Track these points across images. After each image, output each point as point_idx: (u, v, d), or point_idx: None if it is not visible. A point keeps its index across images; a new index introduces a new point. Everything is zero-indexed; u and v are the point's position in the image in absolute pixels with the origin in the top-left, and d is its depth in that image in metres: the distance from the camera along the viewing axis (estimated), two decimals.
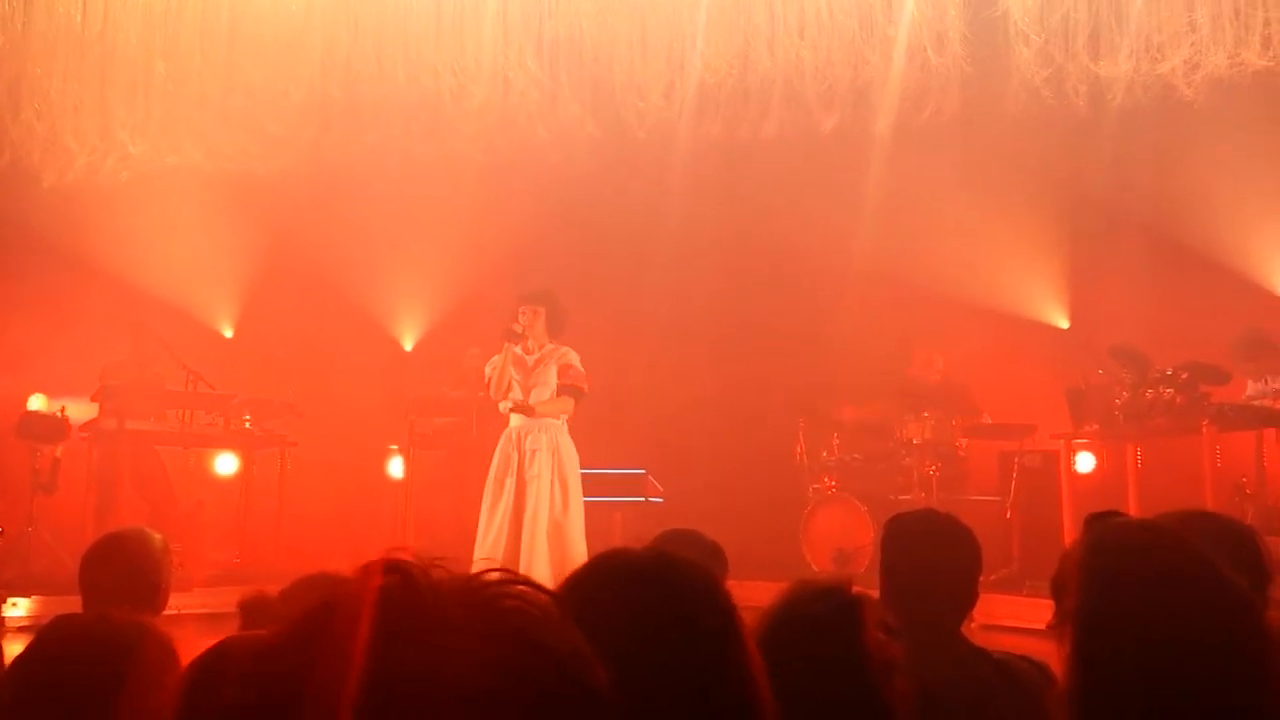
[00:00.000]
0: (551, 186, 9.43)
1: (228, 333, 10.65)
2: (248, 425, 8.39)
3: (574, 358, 6.68)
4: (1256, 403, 7.13)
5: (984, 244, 9.28)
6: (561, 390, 6.61)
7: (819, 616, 1.30)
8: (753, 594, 1.89)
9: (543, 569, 6.15)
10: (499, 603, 0.79)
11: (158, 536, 3.35)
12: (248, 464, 8.64)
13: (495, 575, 0.82)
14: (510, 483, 6.47)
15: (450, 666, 0.73)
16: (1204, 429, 6.62)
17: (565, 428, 6.69)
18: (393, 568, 0.80)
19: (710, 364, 9.70)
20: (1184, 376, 6.72)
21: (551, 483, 6.45)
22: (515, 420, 6.67)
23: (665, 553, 1.34)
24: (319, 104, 8.48)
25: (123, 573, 3.14)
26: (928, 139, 8.49)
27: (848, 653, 1.46)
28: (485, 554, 6.31)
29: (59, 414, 8.05)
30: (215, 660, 1.26)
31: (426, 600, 0.77)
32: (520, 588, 0.82)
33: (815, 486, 8.83)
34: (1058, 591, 1.63)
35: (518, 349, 6.67)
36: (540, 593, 0.83)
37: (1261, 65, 7.13)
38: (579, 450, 6.80)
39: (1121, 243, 8.95)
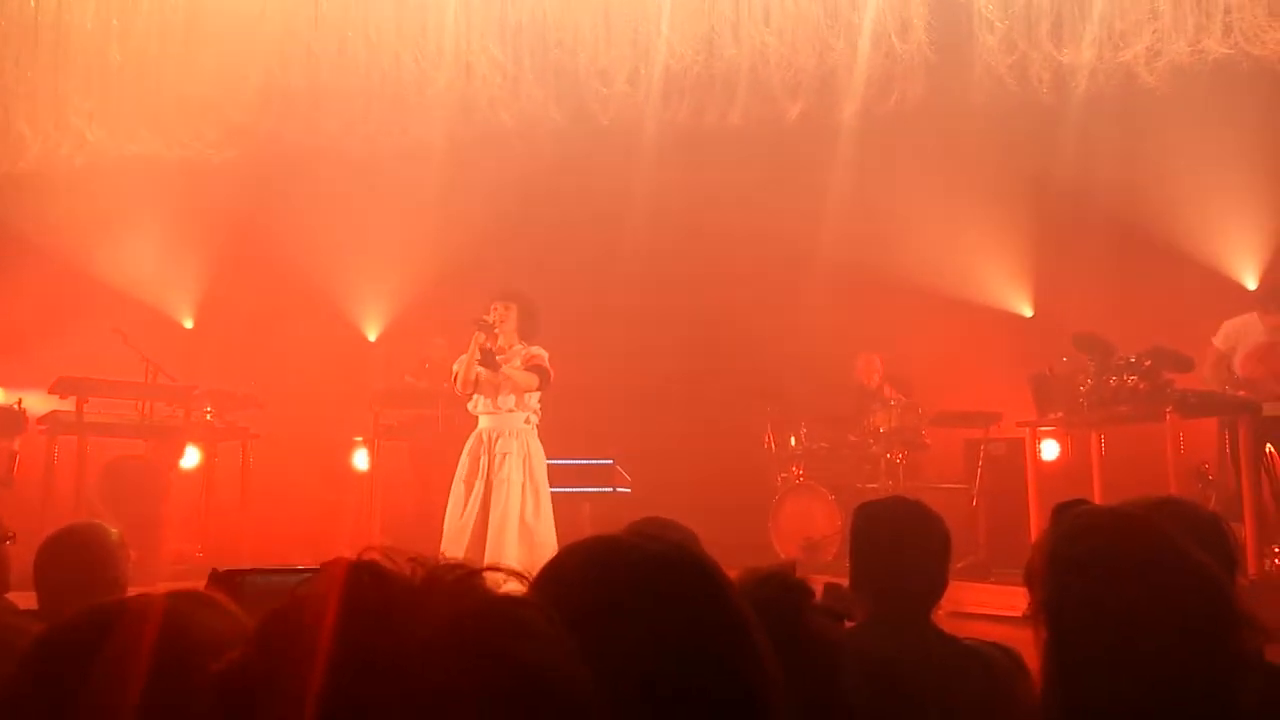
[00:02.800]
0: (515, 173, 9.36)
1: (188, 324, 10.52)
2: (209, 417, 8.28)
3: (542, 354, 6.62)
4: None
5: (948, 232, 9.32)
6: (528, 367, 6.55)
7: (758, 602, 1.28)
8: None
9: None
10: (477, 610, 0.77)
11: (114, 530, 3.29)
12: (210, 456, 8.53)
13: (475, 574, 0.80)
14: (479, 486, 6.40)
15: (416, 674, 0.72)
16: (1167, 416, 6.66)
17: (535, 431, 6.63)
18: (362, 566, 0.78)
19: (677, 353, 9.68)
20: (1147, 364, 6.76)
21: (523, 486, 6.41)
22: (485, 421, 6.60)
23: (654, 538, 1.29)
24: (279, 90, 8.36)
25: (78, 567, 3.09)
26: (892, 127, 8.50)
27: (786, 638, 1.44)
28: (450, 552, 6.24)
29: (16, 406, 7.91)
30: (183, 651, 1.22)
31: (396, 601, 0.76)
32: (500, 588, 0.81)
33: (783, 475, 8.85)
34: (1030, 581, 1.62)
35: (488, 345, 6.60)
36: (523, 592, 0.81)
37: (1222, 53, 7.19)
38: (547, 438, 6.76)
39: (1084, 230, 9.01)
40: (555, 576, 1.21)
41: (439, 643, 0.73)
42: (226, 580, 1.62)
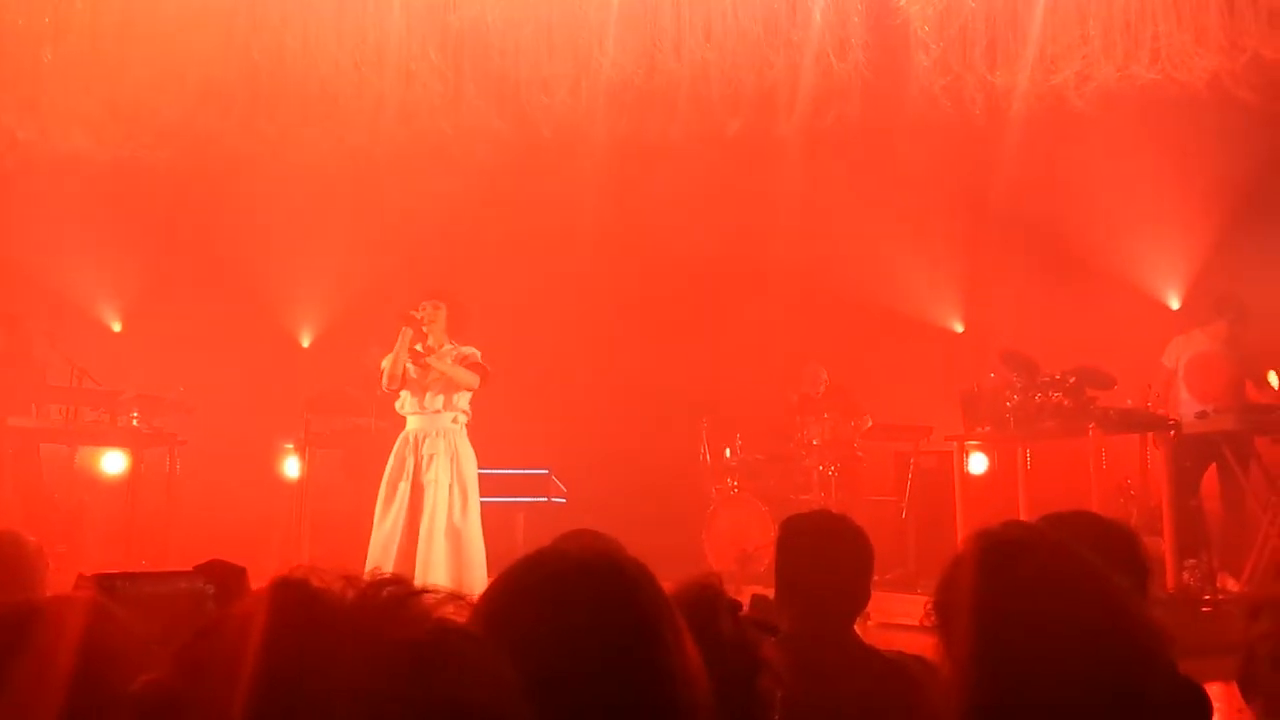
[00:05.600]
0: (454, 181, 9.31)
1: (116, 326, 10.31)
2: (135, 423, 8.11)
3: (474, 353, 6.58)
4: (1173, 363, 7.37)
5: (882, 248, 9.45)
6: (465, 366, 6.51)
7: (686, 614, 1.31)
8: None
9: (440, 573, 6.06)
10: (410, 639, 0.75)
11: (31, 539, 3.21)
12: (136, 463, 8.35)
13: (410, 596, 0.78)
14: (405, 487, 6.34)
15: (346, 704, 0.70)
16: (1090, 432, 6.82)
17: (464, 432, 6.59)
18: (290, 585, 0.76)
19: (614, 364, 9.70)
20: (1071, 381, 6.91)
21: (451, 487, 6.35)
22: (413, 423, 6.55)
23: (602, 551, 1.33)
24: (215, 93, 8.24)
25: None
26: (829, 144, 8.61)
27: (712, 649, 1.46)
28: (376, 558, 6.19)
29: None
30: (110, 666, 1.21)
31: (326, 625, 0.74)
32: (420, 606, 0.78)
33: (718, 487, 8.89)
34: (942, 600, 1.65)
35: (418, 346, 6.56)
36: (457, 614, 0.80)
37: (1150, 78, 7.37)
38: (483, 448, 6.72)
39: (1014, 249, 9.20)
40: (496, 587, 1.25)
41: (370, 671, 0.71)
42: (99, 585, 1.59)
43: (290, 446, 8.99)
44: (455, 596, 0.83)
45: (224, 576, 1.63)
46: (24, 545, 3.17)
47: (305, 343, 10.65)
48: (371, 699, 0.70)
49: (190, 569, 1.71)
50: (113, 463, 8.52)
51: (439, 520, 6.26)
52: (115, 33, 7.99)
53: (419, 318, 6.48)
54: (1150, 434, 7.13)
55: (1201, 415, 6.84)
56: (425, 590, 0.80)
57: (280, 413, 9.07)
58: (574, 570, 1.26)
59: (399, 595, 0.78)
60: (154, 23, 8.00)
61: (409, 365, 6.46)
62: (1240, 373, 7.32)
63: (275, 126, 8.64)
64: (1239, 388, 7.30)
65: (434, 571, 6.05)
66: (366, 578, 0.79)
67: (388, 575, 0.81)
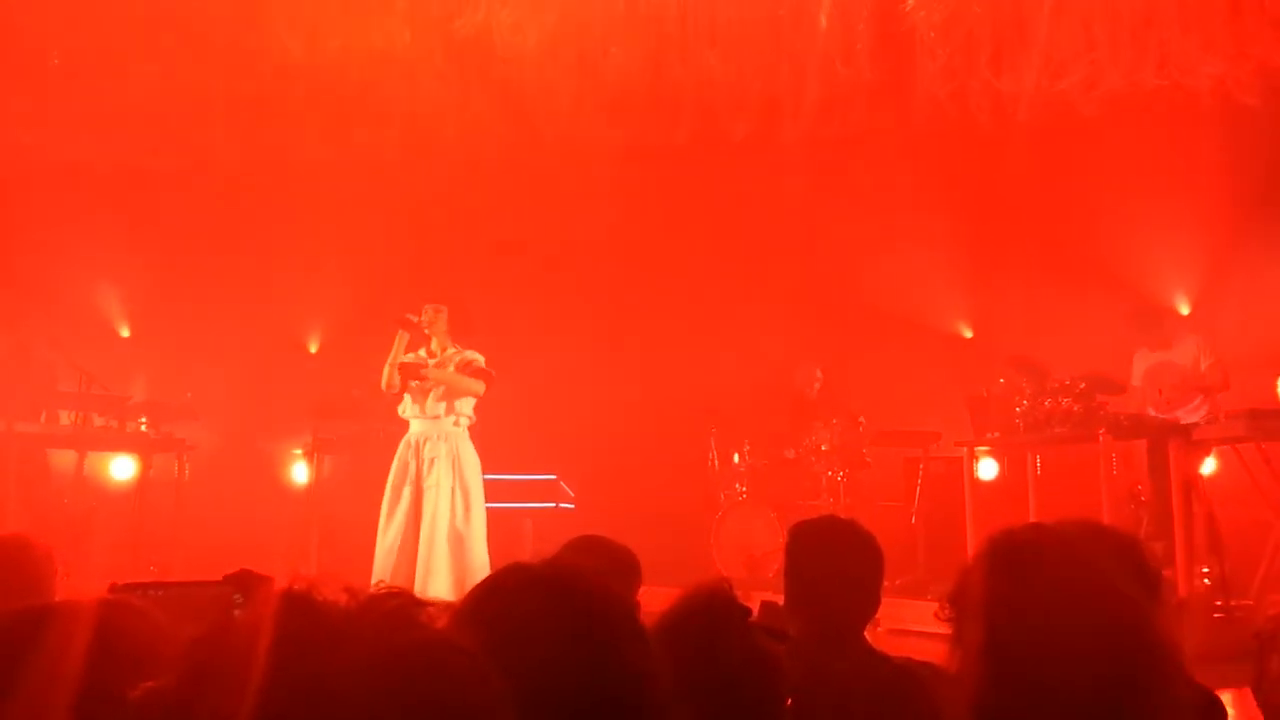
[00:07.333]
0: (459, 186, 9.31)
1: (124, 332, 10.33)
2: (144, 428, 8.12)
3: (478, 358, 6.55)
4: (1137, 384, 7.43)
5: (890, 253, 9.43)
6: (468, 375, 6.49)
7: (694, 619, 1.31)
8: (664, 600, 1.88)
9: (443, 578, 6.02)
10: (405, 650, 0.76)
11: (40, 544, 3.21)
12: (144, 468, 8.35)
13: (409, 608, 0.80)
14: (408, 491, 6.30)
15: (340, 711, 0.71)
16: (1100, 437, 6.79)
17: (466, 434, 6.54)
18: (292, 596, 0.77)
19: (623, 369, 9.69)
20: (1081, 386, 6.90)
21: (453, 491, 6.28)
22: (415, 426, 6.52)
23: (564, 564, 1.36)
24: (222, 97, 8.27)
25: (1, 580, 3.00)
26: (836, 150, 8.61)
27: (725, 655, 1.47)
28: (381, 564, 6.16)
29: None
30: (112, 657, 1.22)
31: (325, 634, 0.75)
32: (422, 619, 0.80)
33: (726, 492, 8.88)
34: (957, 604, 1.64)
35: (422, 352, 6.55)
36: (442, 624, 0.81)
37: (1156, 84, 7.37)
38: (491, 454, 6.69)
39: (1022, 255, 9.18)
40: (463, 604, 1.28)
41: (365, 680, 0.72)
42: (128, 594, 1.60)
43: (299, 452, 9.00)
44: (446, 608, 0.85)
45: (252, 586, 1.64)
46: (33, 550, 3.16)
47: (313, 348, 10.64)
48: (369, 710, 0.71)
49: (220, 579, 1.74)
50: (121, 468, 8.52)
51: (441, 525, 6.21)
52: (121, 39, 8.03)
53: (419, 322, 6.46)
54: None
55: (1212, 421, 6.80)
56: (428, 603, 0.82)
57: (288, 418, 9.08)
58: (530, 586, 1.28)
59: (401, 607, 0.79)
60: (156, 29, 8.04)
61: (412, 383, 6.44)
62: (1201, 380, 7.33)
63: (282, 132, 8.68)
64: (1202, 395, 7.30)
65: (436, 577, 6.01)
66: (371, 589, 0.80)
67: (392, 588, 0.83)
